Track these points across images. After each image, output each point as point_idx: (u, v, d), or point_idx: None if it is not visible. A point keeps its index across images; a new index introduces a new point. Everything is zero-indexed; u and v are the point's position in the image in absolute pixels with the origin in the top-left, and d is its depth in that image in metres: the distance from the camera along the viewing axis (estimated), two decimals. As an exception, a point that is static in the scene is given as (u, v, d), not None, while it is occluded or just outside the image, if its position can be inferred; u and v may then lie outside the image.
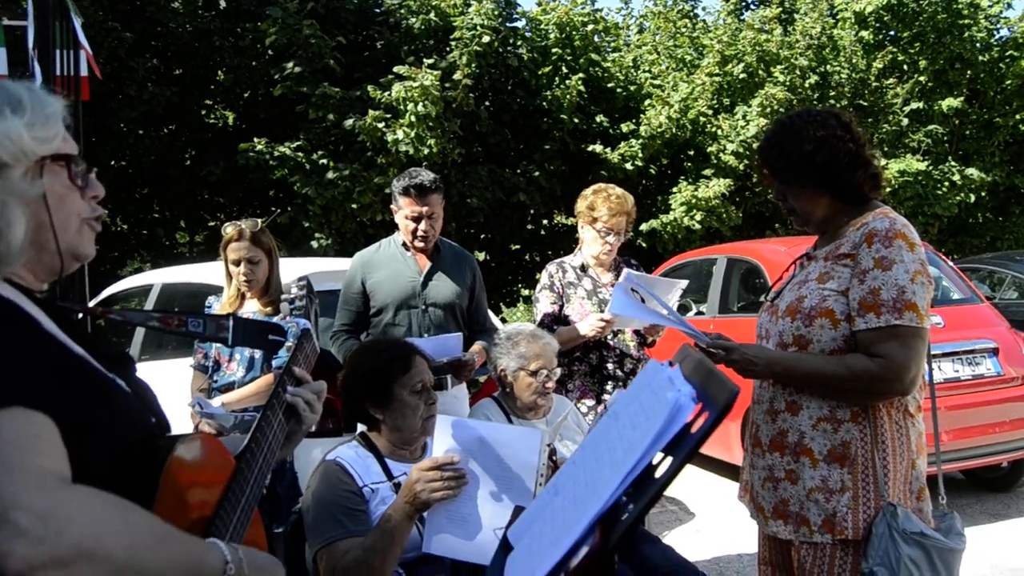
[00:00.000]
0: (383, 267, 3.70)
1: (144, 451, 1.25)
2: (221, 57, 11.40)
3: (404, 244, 3.73)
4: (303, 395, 1.69)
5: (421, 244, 3.65)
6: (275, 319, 3.59)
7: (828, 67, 13.46)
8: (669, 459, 1.02)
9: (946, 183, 13.56)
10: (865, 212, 2.23)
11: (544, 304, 3.81)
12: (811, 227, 2.34)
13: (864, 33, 14.89)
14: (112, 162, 11.51)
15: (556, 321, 3.77)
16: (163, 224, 12.43)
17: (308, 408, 1.70)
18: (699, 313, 7.19)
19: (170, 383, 4.21)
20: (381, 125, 9.95)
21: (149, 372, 4.83)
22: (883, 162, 12.88)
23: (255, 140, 10.12)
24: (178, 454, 1.27)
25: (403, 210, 3.63)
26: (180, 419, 4.03)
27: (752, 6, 16.19)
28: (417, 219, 3.60)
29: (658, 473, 1.00)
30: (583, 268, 3.84)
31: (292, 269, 4.82)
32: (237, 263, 3.67)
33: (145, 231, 12.50)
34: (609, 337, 3.72)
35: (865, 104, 13.94)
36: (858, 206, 2.25)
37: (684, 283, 3.68)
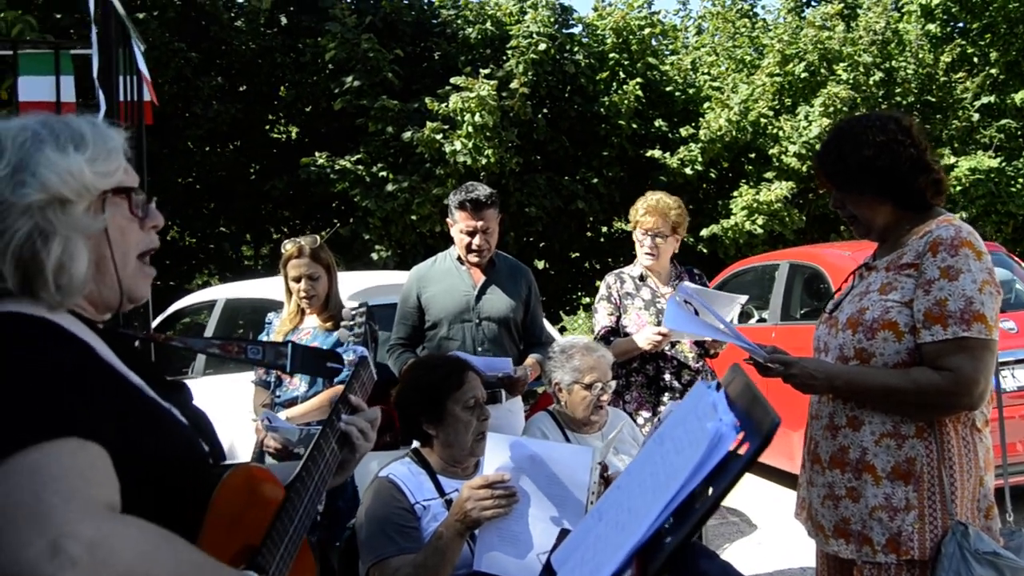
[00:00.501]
0: (438, 281, 3.71)
1: (195, 480, 1.27)
2: (283, 73, 11.63)
3: (459, 258, 3.74)
4: (357, 423, 1.69)
5: (475, 259, 3.66)
6: (300, 332, 3.67)
7: (893, 63, 13.08)
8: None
9: (1020, 180, 13.04)
10: (928, 219, 2.16)
11: (602, 315, 3.79)
12: (872, 235, 2.27)
13: (931, 26, 14.44)
14: (180, 179, 11.83)
15: (613, 332, 3.74)
16: (229, 238, 12.73)
17: (362, 436, 1.70)
18: (761, 320, 7.07)
19: (233, 398, 4.30)
20: (439, 136, 10.02)
21: (213, 387, 4.97)
22: (953, 159, 12.51)
23: (316, 154, 10.29)
24: (227, 483, 1.28)
25: (458, 224, 3.64)
26: (243, 433, 4.12)
27: (813, 3, 15.85)
28: (472, 233, 3.61)
29: (701, 502, 0.97)
30: (642, 278, 3.81)
31: (351, 283, 4.89)
32: (297, 279, 3.72)
33: (212, 245, 12.82)
34: (667, 348, 3.68)
35: (933, 100, 13.51)
36: (920, 213, 2.18)
37: (743, 298, 3.62)
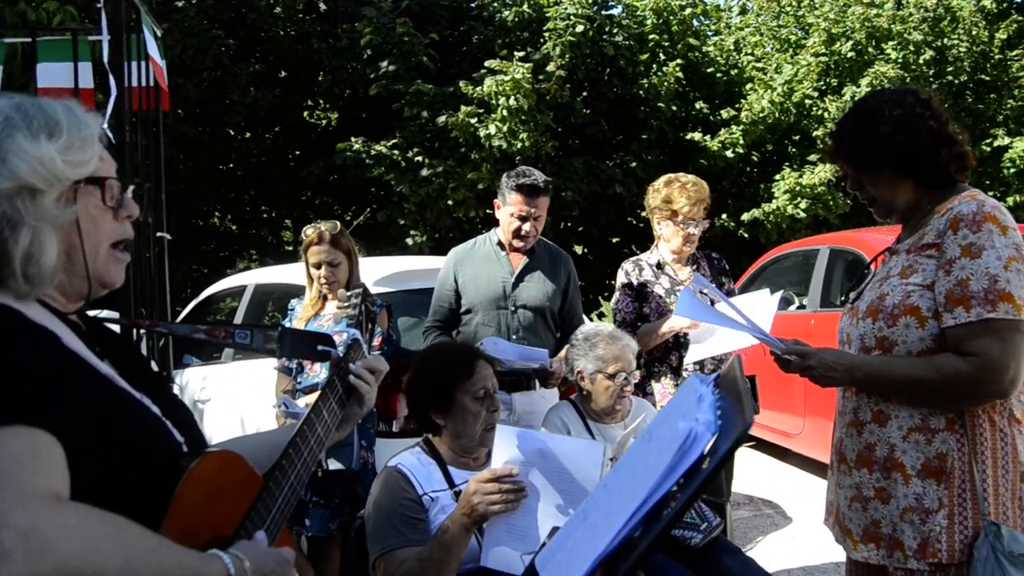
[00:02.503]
0: (476, 265, 3.65)
1: (163, 470, 1.23)
2: (321, 59, 11.65)
3: (499, 243, 3.67)
4: (364, 375, 1.71)
5: (520, 244, 3.59)
6: (322, 319, 3.64)
7: (945, 40, 12.66)
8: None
9: (1078, 162, 12.57)
10: (952, 197, 2.01)
11: (623, 302, 3.69)
12: (894, 217, 2.13)
13: (986, 1, 13.93)
14: (220, 166, 11.95)
15: (638, 318, 3.64)
16: (268, 224, 12.83)
17: (370, 389, 1.72)
18: (800, 307, 6.89)
19: (264, 383, 4.30)
20: (473, 121, 9.95)
21: (243, 372, 4.98)
22: (1007, 140, 12.10)
23: (352, 139, 10.30)
24: (195, 471, 1.24)
25: (510, 207, 3.56)
26: (266, 419, 4.12)
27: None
28: (524, 218, 3.54)
29: (670, 508, 0.89)
30: (659, 265, 3.69)
31: (382, 268, 4.85)
32: (318, 266, 3.70)
33: (252, 231, 12.94)
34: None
35: (987, 79, 13.06)
36: (943, 191, 2.03)
37: (777, 296, 3.47)
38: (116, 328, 1.88)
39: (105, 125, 1.38)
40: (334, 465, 3.37)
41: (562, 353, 3.54)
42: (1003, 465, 1.91)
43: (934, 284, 1.93)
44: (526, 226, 3.55)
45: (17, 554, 0.95)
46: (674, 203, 3.60)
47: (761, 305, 3.35)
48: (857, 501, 2.06)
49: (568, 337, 3.65)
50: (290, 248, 13.17)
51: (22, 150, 1.20)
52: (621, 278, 3.74)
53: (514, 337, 3.52)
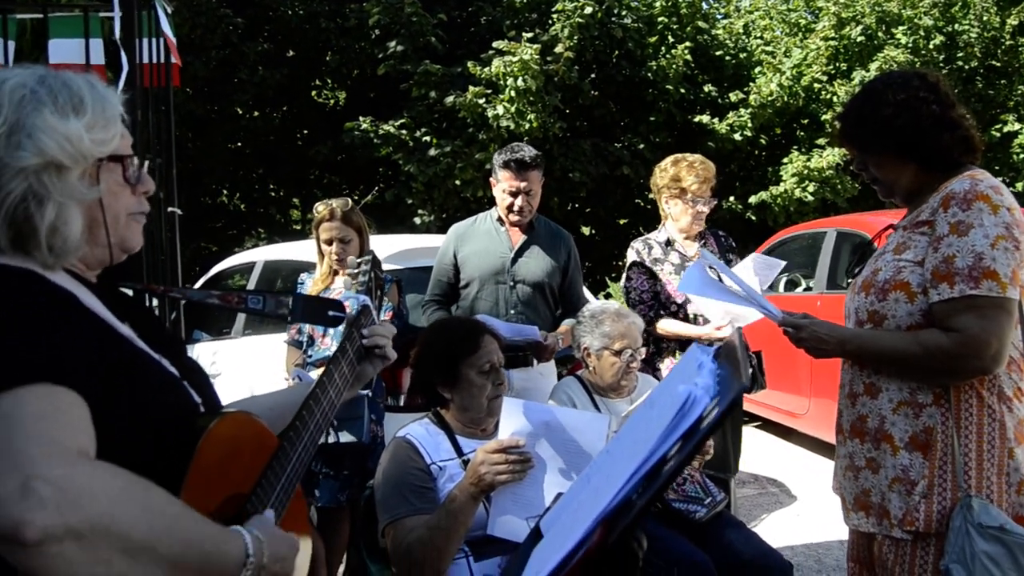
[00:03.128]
0: (476, 241, 3.70)
1: (182, 429, 1.27)
2: (329, 39, 11.63)
3: (499, 219, 3.72)
4: (378, 339, 1.75)
5: (516, 219, 3.64)
6: (331, 293, 3.67)
7: (956, 26, 12.57)
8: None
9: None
10: (953, 177, 2.03)
11: (637, 280, 3.73)
12: (897, 198, 2.16)
13: (997, -13, 13.84)
14: (229, 144, 11.97)
15: (653, 296, 3.68)
16: (276, 203, 12.86)
17: (383, 349, 1.76)
18: (807, 289, 6.91)
19: (271, 358, 4.36)
20: (481, 101, 9.95)
21: (252, 347, 5.04)
22: (1017, 126, 12.04)
23: (360, 119, 10.31)
24: (214, 431, 1.28)
25: (501, 183, 3.62)
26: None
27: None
28: (515, 194, 3.59)
29: (668, 467, 0.93)
30: (668, 243, 3.73)
31: (389, 246, 4.90)
32: (329, 242, 3.73)
33: (261, 209, 12.98)
34: (700, 314, 3.62)
35: (998, 65, 12.97)
36: (948, 173, 2.05)
37: (781, 263, 3.53)
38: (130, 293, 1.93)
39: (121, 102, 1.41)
40: (345, 438, 3.42)
41: (561, 327, 3.60)
42: (989, 440, 1.94)
43: (924, 260, 1.97)
44: (518, 201, 3.59)
45: (52, 504, 0.96)
46: (683, 181, 3.64)
47: (762, 268, 3.42)
48: (850, 470, 2.11)
49: (568, 314, 3.71)
50: (298, 227, 13.23)
51: (49, 127, 1.22)
52: (632, 256, 3.79)
53: (512, 312, 3.58)
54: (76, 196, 1.25)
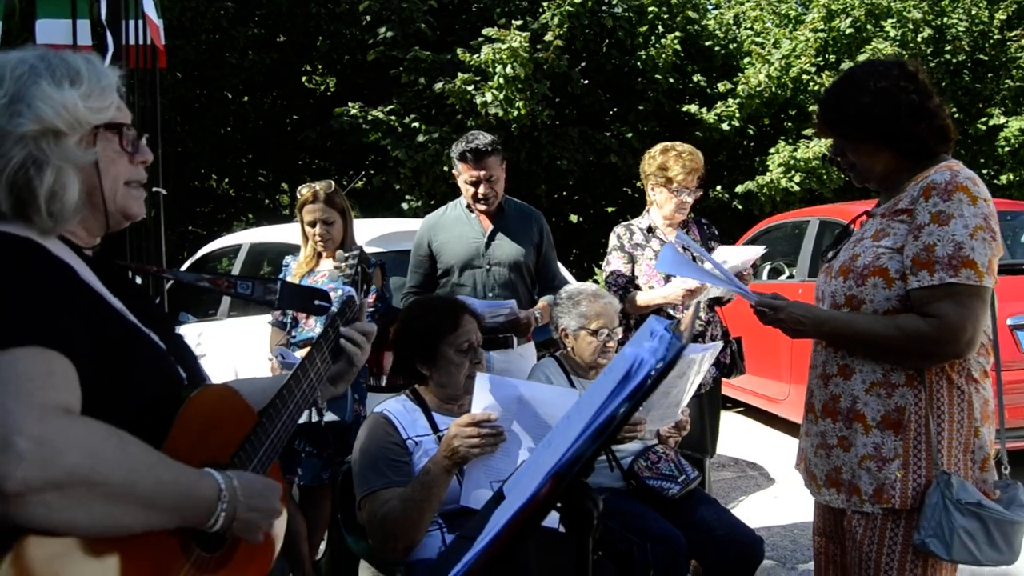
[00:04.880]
0: (448, 229, 3.76)
1: (166, 397, 1.33)
2: (319, 24, 11.61)
3: (468, 206, 3.77)
4: (352, 336, 1.79)
5: (483, 207, 3.70)
6: (315, 276, 3.71)
7: (944, 19, 12.63)
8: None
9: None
10: (930, 167, 2.10)
11: (616, 264, 3.78)
12: (872, 184, 2.22)
13: (987, -19, 13.90)
14: (218, 129, 11.94)
15: (628, 282, 3.74)
16: (265, 187, 12.85)
17: (358, 348, 1.79)
18: (790, 277, 6.98)
19: (257, 339, 4.39)
20: (470, 88, 9.96)
21: (237, 328, 5.07)
22: (1003, 120, 12.11)
23: (349, 104, 10.30)
24: (195, 399, 1.34)
25: (462, 175, 3.69)
26: (261, 374, 4.21)
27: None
28: (476, 183, 3.65)
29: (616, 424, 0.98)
30: (650, 230, 3.78)
31: (372, 229, 4.93)
32: (312, 224, 3.77)
33: (249, 194, 12.96)
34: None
35: (985, 59, 13.03)
36: (923, 161, 2.12)
37: (761, 250, 3.59)
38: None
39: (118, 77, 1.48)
40: (329, 417, 3.47)
41: (540, 303, 3.66)
42: (959, 420, 2.02)
43: (903, 248, 2.03)
44: (481, 189, 3.65)
45: (31, 459, 1.05)
46: (669, 171, 3.69)
47: (741, 255, 3.48)
48: (822, 448, 2.18)
49: (544, 290, 3.78)
50: (286, 212, 13.23)
51: (47, 95, 1.29)
52: (613, 241, 3.84)
53: (490, 295, 3.64)
54: (73, 160, 1.32)
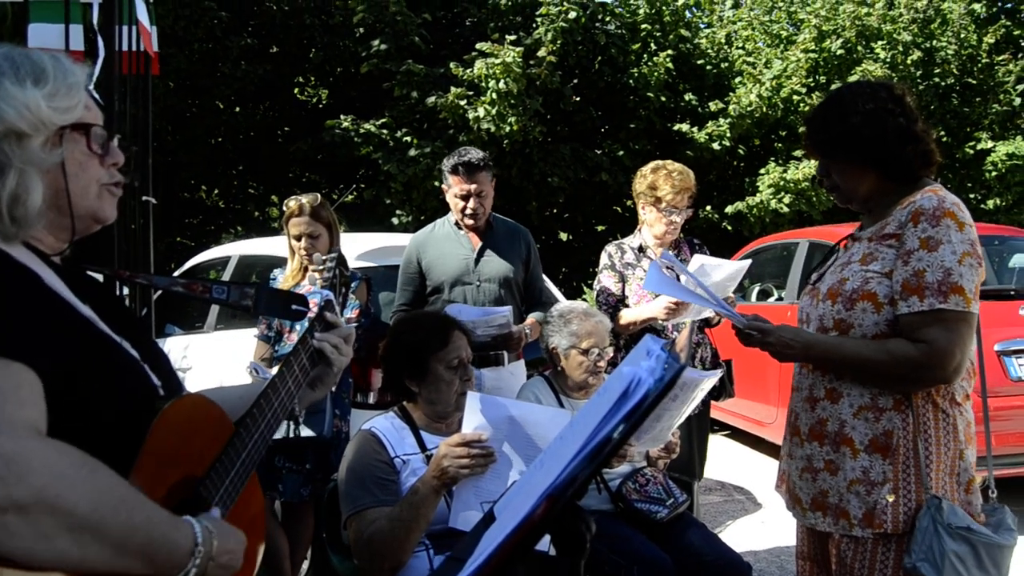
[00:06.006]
0: (437, 246, 3.75)
1: (138, 410, 1.27)
2: (313, 36, 11.61)
3: (456, 223, 3.75)
4: (329, 339, 1.74)
5: (471, 221, 3.69)
6: (301, 289, 3.68)
7: (934, 42, 12.74)
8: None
9: (1060, 167, 12.69)
10: (915, 191, 2.10)
11: (606, 283, 3.77)
12: (855, 205, 2.23)
13: (976, 5, 14.02)
14: (209, 139, 11.91)
15: (619, 301, 3.72)
16: (255, 199, 12.80)
17: (336, 351, 1.74)
18: (779, 299, 6.99)
19: (244, 352, 4.35)
20: (463, 102, 9.97)
21: (224, 341, 5.02)
22: (991, 144, 12.21)
23: (341, 117, 10.30)
24: (169, 411, 1.28)
25: (452, 188, 3.68)
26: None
27: (856, -22, 15.44)
28: (466, 197, 3.65)
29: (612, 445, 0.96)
30: (641, 249, 3.76)
31: (360, 244, 4.91)
32: (298, 237, 3.74)
33: (239, 206, 12.92)
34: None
35: (974, 82, 13.14)
36: (907, 184, 2.13)
37: (746, 263, 3.58)
38: (100, 278, 1.93)
39: (91, 87, 1.42)
40: (306, 432, 3.43)
41: (528, 320, 3.65)
42: (944, 443, 2.03)
43: (892, 272, 2.03)
44: (471, 204, 3.65)
45: None
46: (659, 190, 3.68)
47: (722, 270, 3.45)
48: (808, 472, 2.16)
49: (531, 306, 3.76)
50: (276, 225, 13.18)
51: (9, 95, 1.25)
52: (604, 260, 3.83)
53: None
54: (36, 162, 1.27)
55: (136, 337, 1.45)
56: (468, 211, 3.65)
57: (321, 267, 2.08)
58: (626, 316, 3.66)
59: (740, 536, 4.78)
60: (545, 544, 1.27)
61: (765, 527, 5.02)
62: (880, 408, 2.04)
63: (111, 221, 1.46)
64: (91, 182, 1.37)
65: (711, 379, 2.31)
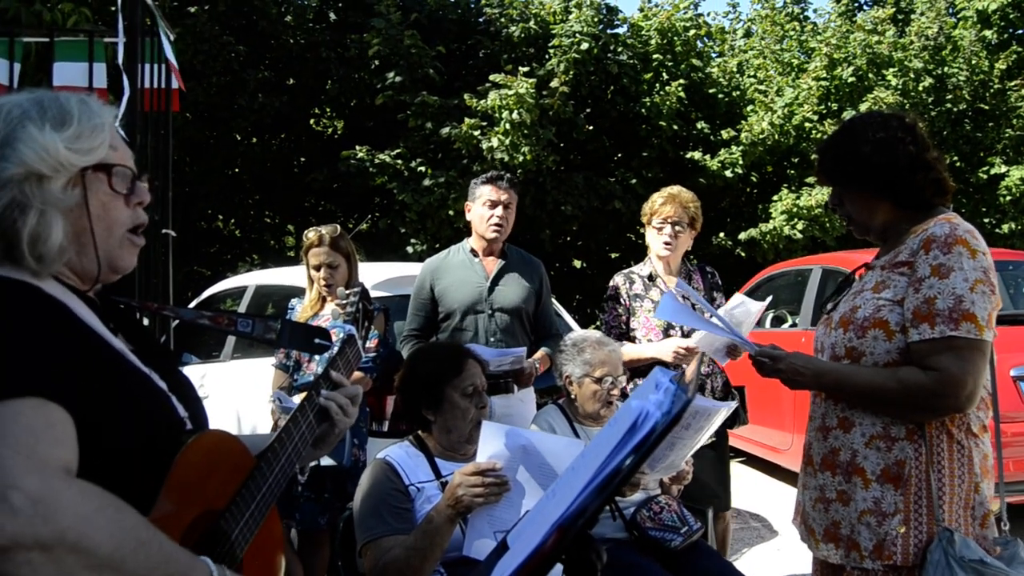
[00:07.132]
0: (451, 273, 3.77)
1: (164, 442, 1.31)
2: (329, 68, 11.79)
3: (472, 251, 3.79)
4: (336, 399, 1.74)
5: (495, 233, 3.72)
6: (320, 319, 3.72)
7: (945, 69, 12.80)
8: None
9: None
10: (928, 219, 2.11)
11: (610, 314, 3.79)
12: (871, 235, 2.24)
13: (987, 32, 14.10)
14: (226, 170, 12.06)
15: (622, 334, 3.72)
16: (271, 228, 12.93)
17: (341, 412, 1.74)
18: (792, 325, 6.98)
19: (259, 381, 4.40)
20: (476, 133, 10.08)
21: (240, 370, 5.07)
22: (1004, 168, 12.21)
23: (357, 148, 10.43)
24: (192, 446, 1.32)
25: (483, 197, 3.73)
26: (263, 416, 4.22)
27: (865, 6, 15.56)
28: (495, 205, 3.69)
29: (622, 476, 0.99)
30: (651, 277, 3.78)
31: (376, 273, 4.96)
32: (318, 268, 3.80)
33: (255, 235, 13.05)
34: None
35: (986, 108, 13.18)
36: (920, 212, 2.14)
37: (763, 304, 3.58)
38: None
39: (118, 124, 1.47)
40: (326, 461, 3.46)
41: (538, 353, 3.67)
42: (959, 475, 2.01)
43: (904, 300, 2.03)
44: (498, 212, 3.70)
45: (24, 515, 1.02)
46: (652, 206, 3.73)
47: (743, 310, 3.46)
48: (820, 502, 2.16)
49: (541, 339, 3.78)
50: (292, 254, 13.28)
51: (31, 139, 1.30)
52: (610, 291, 3.84)
53: (492, 340, 3.64)
54: (56, 203, 1.31)
55: (164, 368, 1.49)
56: (495, 220, 3.70)
57: (344, 301, 2.10)
58: (630, 352, 3.59)
59: (756, 564, 4.76)
60: (557, 573, 1.29)
61: (781, 555, 4.99)
62: (892, 437, 2.03)
63: (129, 271, 1.50)
64: (114, 224, 1.40)
65: (725, 410, 2.33)
